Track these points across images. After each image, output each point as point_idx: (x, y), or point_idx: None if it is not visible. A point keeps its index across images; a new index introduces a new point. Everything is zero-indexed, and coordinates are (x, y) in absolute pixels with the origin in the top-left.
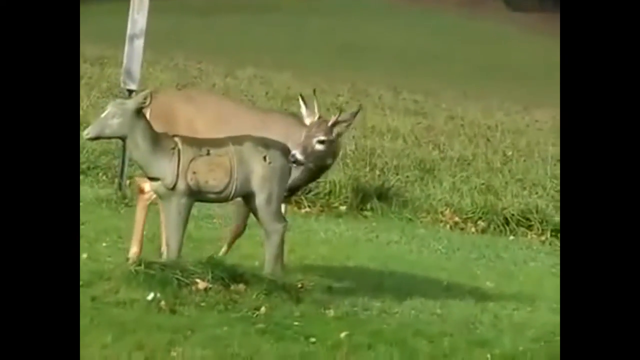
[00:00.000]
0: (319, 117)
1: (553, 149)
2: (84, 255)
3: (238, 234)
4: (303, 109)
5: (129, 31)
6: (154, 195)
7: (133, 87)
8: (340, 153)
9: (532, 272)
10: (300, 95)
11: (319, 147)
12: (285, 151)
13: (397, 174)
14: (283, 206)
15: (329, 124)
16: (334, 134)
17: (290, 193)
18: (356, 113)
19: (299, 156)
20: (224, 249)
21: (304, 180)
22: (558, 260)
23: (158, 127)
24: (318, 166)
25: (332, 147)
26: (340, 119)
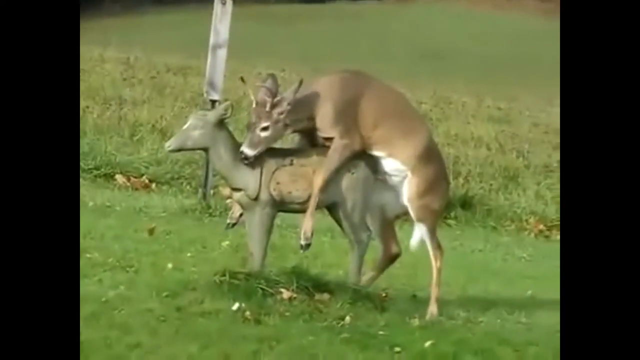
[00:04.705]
0: (256, 104)
1: None
2: (169, 265)
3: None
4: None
5: (211, 41)
6: None
7: (216, 97)
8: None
9: None
10: (241, 78)
11: (264, 134)
12: (369, 162)
13: (481, 182)
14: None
15: (267, 108)
16: (274, 117)
17: None
18: (298, 87)
19: (247, 150)
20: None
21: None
22: None
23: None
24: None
25: (279, 129)
26: (276, 100)
